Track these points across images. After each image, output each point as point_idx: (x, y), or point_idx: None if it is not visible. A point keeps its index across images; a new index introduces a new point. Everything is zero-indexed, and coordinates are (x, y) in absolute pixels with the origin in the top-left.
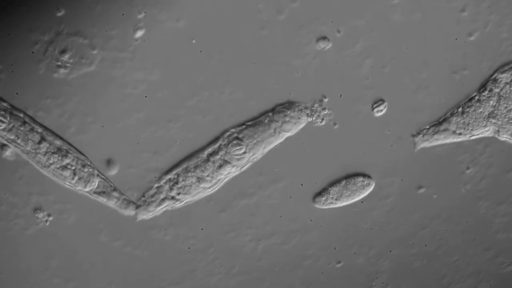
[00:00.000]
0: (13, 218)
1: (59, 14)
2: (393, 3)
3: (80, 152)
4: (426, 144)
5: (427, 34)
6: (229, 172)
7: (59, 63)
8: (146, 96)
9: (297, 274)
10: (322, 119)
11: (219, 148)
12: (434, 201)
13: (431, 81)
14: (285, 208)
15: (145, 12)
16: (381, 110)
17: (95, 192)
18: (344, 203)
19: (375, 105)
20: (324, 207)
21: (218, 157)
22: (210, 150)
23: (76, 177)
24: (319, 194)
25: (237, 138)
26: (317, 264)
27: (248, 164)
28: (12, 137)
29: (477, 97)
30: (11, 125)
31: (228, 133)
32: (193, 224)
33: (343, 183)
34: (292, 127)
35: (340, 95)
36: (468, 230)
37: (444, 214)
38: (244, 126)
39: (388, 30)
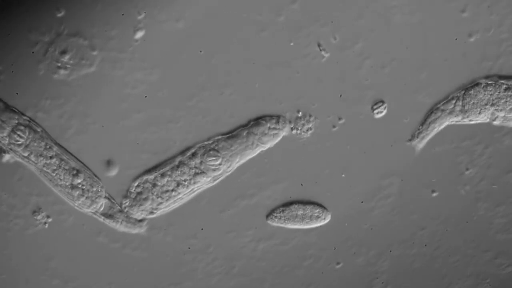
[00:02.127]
0: (13, 219)
1: (59, 15)
2: (393, 4)
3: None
4: (425, 142)
5: (427, 34)
6: (203, 183)
7: (59, 64)
8: (146, 96)
9: (297, 275)
10: (307, 131)
11: (194, 156)
12: (434, 202)
13: (431, 81)
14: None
15: (145, 13)
16: (381, 112)
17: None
18: (294, 226)
19: (375, 107)
20: (274, 224)
21: (193, 163)
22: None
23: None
24: (273, 211)
25: (213, 149)
26: (317, 265)
27: (223, 177)
28: (26, 154)
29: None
30: (28, 141)
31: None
32: (193, 224)
33: (301, 211)
34: (270, 140)
35: (340, 95)
36: (468, 230)
37: (444, 215)
38: (221, 138)
39: (388, 30)
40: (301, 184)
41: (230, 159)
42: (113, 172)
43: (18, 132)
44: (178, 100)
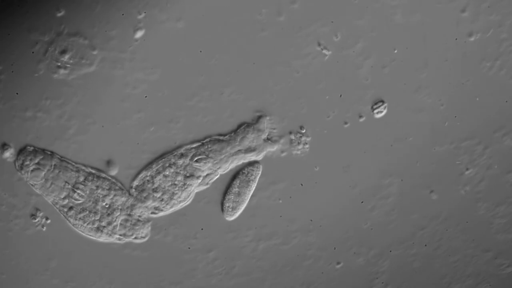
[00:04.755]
0: (13, 219)
1: (59, 15)
2: (393, 4)
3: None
4: None
5: (427, 34)
6: (197, 185)
7: (59, 64)
8: (146, 96)
9: (297, 275)
10: (302, 147)
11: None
12: (434, 202)
13: (431, 81)
14: (285, 208)
15: (145, 12)
16: (381, 112)
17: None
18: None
19: (375, 107)
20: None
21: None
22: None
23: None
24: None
25: (203, 152)
26: (317, 265)
27: (214, 178)
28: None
29: None
30: (87, 200)
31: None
32: (193, 224)
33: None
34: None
35: (340, 95)
36: (468, 230)
37: (444, 215)
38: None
39: (388, 30)
40: (301, 184)
41: (219, 163)
42: (113, 172)
43: (78, 191)
44: (178, 100)
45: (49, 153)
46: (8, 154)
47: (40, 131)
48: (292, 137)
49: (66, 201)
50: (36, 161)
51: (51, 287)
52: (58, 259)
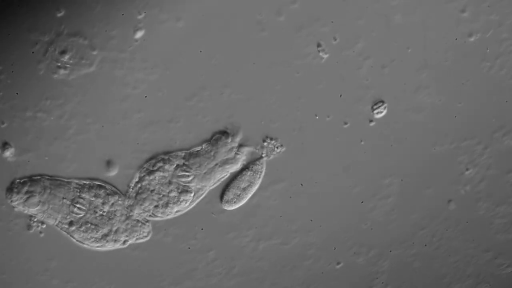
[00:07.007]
0: (13, 219)
1: (59, 15)
2: (393, 4)
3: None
4: None
5: (427, 34)
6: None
7: (59, 64)
8: (146, 96)
9: (297, 274)
10: (272, 154)
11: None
12: (434, 202)
13: (431, 81)
14: (285, 208)
15: (145, 12)
16: (381, 112)
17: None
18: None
19: (375, 107)
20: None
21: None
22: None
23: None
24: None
25: (184, 164)
26: (317, 265)
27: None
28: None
29: None
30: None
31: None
32: (193, 224)
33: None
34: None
35: (340, 95)
36: (468, 230)
37: (444, 215)
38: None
39: (388, 30)
40: (301, 184)
41: (204, 176)
42: (113, 172)
43: (78, 205)
44: (178, 100)
45: (38, 177)
46: (9, 153)
47: (40, 131)
48: (265, 145)
49: (69, 217)
50: (26, 189)
51: (51, 287)
52: (58, 259)
